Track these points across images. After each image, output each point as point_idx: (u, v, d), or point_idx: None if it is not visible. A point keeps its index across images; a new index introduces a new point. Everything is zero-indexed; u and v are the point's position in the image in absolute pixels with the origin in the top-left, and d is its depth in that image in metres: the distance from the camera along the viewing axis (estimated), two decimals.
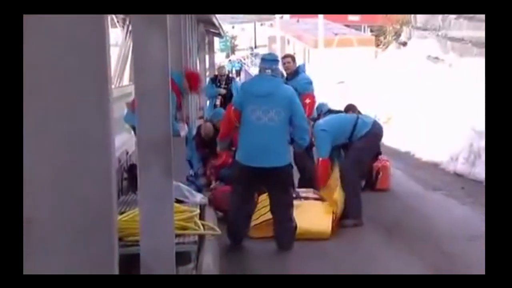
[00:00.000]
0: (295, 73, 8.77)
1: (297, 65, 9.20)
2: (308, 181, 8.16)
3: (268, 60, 6.61)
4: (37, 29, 1.59)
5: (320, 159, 7.59)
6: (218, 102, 11.76)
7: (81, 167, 1.64)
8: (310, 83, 8.81)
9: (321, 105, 9.55)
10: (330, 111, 9.24)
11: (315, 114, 8.83)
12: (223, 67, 15.00)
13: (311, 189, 7.76)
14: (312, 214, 6.85)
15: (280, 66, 7.95)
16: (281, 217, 6.33)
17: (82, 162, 1.64)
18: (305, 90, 8.49)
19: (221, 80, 12.67)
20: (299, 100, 6.70)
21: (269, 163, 6.10)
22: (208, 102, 13.01)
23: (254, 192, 6.59)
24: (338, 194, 7.13)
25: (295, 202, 6.69)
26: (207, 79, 13.70)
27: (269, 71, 6.40)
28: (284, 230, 6.33)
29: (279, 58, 7.85)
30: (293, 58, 9.26)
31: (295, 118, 6.27)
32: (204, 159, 8.88)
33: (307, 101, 8.47)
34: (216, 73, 13.45)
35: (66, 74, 1.61)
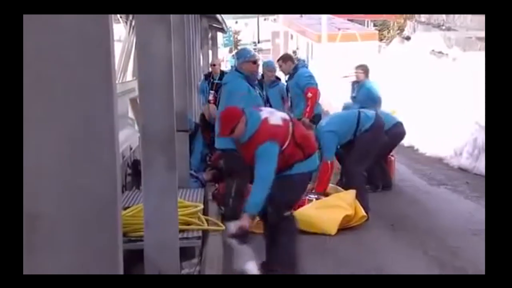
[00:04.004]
0: (294, 70, 8.71)
1: (296, 63, 9.00)
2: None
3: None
4: (46, 28, 1.60)
5: (329, 162, 7.41)
6: (211, 97, 11.30)
7: (86, 162, 1.63)
8: (311, 76, 8.72)
9: (350, 104, 9.50)
10: None
11: (320, 110, 8.74)
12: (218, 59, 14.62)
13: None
14: (324, 211, 6.79)
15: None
16: None
17: (87, 156, 1.63)
18: (306, 84, 8.47)
19: (215, 76, 11.94)
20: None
21: None
22: (201, 98, 12.51)
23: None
24: (351, 196, 7.03)
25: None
26: (202, 77, 13.23)
27: None
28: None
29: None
30: (284, 59, 9.03)
31: None
32: (210, 147, 8.39)
33: (309, 95, 8.40)
34: (210, 70, 12.64)
35: (71, 69, 1.61)
